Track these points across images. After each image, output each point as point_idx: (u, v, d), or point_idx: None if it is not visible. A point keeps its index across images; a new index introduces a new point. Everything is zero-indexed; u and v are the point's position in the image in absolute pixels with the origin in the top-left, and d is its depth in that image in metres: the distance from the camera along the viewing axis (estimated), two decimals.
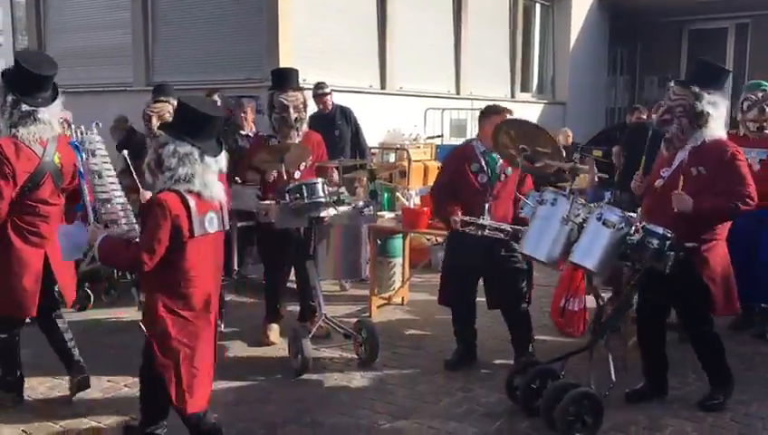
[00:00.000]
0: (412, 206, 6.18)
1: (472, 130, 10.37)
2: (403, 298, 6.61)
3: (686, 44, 16.32)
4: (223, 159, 3.47)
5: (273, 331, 5.47)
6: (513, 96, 12.40)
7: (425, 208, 5.94)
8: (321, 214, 4.92)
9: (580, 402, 3.85)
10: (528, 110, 11.88)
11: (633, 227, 3.91)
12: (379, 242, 6.40)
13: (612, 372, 4.10)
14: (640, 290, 4.21)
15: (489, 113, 4.83)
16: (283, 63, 7.76)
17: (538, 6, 13.53)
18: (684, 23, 16.04)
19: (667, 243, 3.84)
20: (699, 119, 4.09)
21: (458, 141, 9.46)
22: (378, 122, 9.02)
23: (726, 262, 4.24)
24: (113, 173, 5.26)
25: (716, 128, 4.14)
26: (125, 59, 9.00)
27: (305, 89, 5.54)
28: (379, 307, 6.29)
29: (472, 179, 4.73)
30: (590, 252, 3.93)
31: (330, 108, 7.78)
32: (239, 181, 6.49)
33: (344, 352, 5.20)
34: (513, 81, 12.62)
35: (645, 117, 8.03)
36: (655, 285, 4.08)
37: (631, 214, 4.11)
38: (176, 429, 4.00)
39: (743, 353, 5.27)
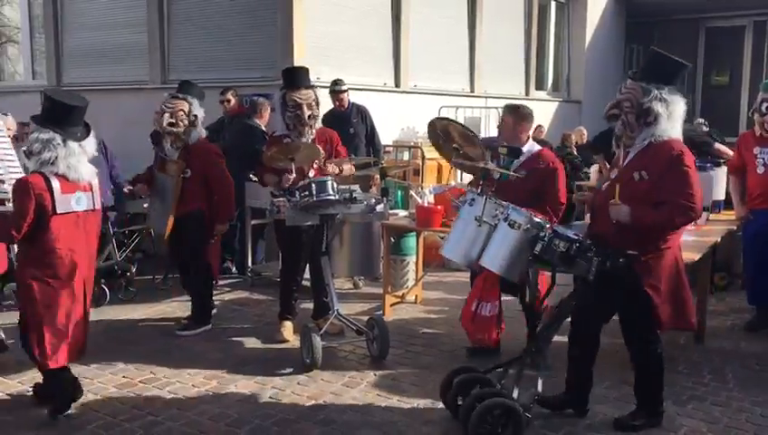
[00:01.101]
0: (426, 204, 6.17)
1: (486, 128, 10.34)
2: (417, 296, 6.61)
3: (704, 42, 16.18)
4: (90, 143, 4.04)
5: (287, 328, 5.49)
6: (527, 94, 12.35)
7: (438, 207, 5.93)
8: (333, 211, 4.93)
9: (492, 412, 3.65)
10: (543, 108, 11.82)
11: (544, 229, 3.70)
12: (392, 240, 6.40)
13: (539, 384, 3.90)
14: (577, 298, 3.92)
15: (512, 111, 4.92)
16: (298, 62, 7.77)
17: (553, 4, 13.46)
18: (701, 20, 15.89)
19: (576, 246, 3.61)
20: (646, 116, 3.72)
21: None
22: (392, 120, 9.02)
23: (676, 271, 3.87)
24: (11, 154, 5.19)
25: (668, 128, 3.74)
26: (141, 57, 9.05)
27: (317, 87, 5.55)
28: (392, 305, 6.29)
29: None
30: (496, 254, 3.80)
31: (346, 105, 7.79)
32: (254, 179, 6.52)
33: (357, 349, 5.22)
34: (527, 79, 12.56)
35: None
36: (589, 293, 3.81)
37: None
38: (190, 424, 4.04)
39: (759, 354, 5.24)
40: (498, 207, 3.87)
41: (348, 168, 5.65)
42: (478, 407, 3.67)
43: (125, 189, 7.08)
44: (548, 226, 3.78)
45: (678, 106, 3.76)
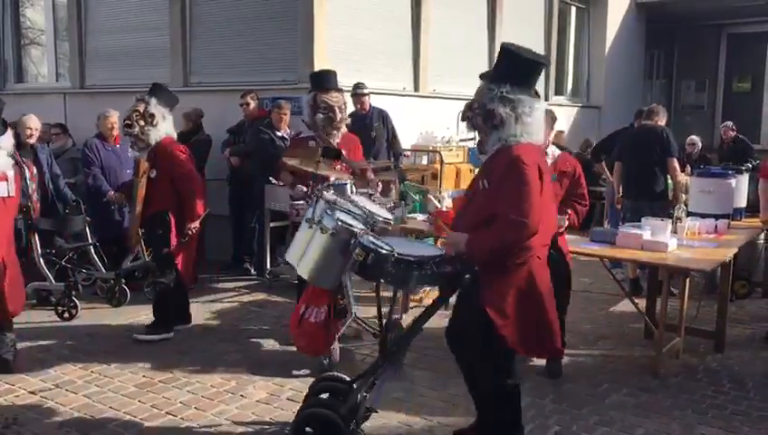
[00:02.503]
0: (444, 208, 6.17)
1: None
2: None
3: (725, 48, 16.06)
4: (4, 139, 4.62)
5: None
6: (546, 99, 12.29)
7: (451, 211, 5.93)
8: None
9: (309, 424, 3.50)
10: (562, 113, 11.77)
11: (355, 236, 3.53)
12: None
13: (372, 396, 3.70)
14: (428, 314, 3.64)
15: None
16: (318, 66, 7.80)
17: (574, 9, 13.42)
18: (722, 26, 15.78)
19: (372, 256, 3.38)
20: (491, 119, 3.34)
21: None
22: (411, 125, 9.03)
23: (531, 290, 3.36)
24: None
25: (519, 132, 3.31)
26: (163, 60, 9.13)
27: (343, 90, 5.57)
28: (410, 309, 6.30)
29: None
30: (308, 259, 3.67)
31: (367, 108, 7.84)
32: (274, 182, 6.56)
33: (374, 352, 5.22)
34: (546, 84, 12.51)
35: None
36: (454, 310, 3.57)
37: (350, 222, 3.69)
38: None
39: None
40: (325, 210, 3.70)
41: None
42: (294, 419, 3.59)
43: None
44: (359, 231, 3.58)
45: (531, 107, 3.34)
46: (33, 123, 6.52)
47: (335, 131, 5.28)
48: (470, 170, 8.93)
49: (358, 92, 7.72)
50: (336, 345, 4.84)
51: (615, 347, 5.53)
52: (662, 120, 7.07)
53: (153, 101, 5.51)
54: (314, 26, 7.86)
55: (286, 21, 8.19)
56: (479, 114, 3.41)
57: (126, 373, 4.79)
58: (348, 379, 3.86)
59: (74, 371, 4.83)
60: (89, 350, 5.27)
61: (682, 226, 5.50)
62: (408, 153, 8.84)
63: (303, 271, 3.79)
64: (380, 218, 4.04)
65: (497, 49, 3.37)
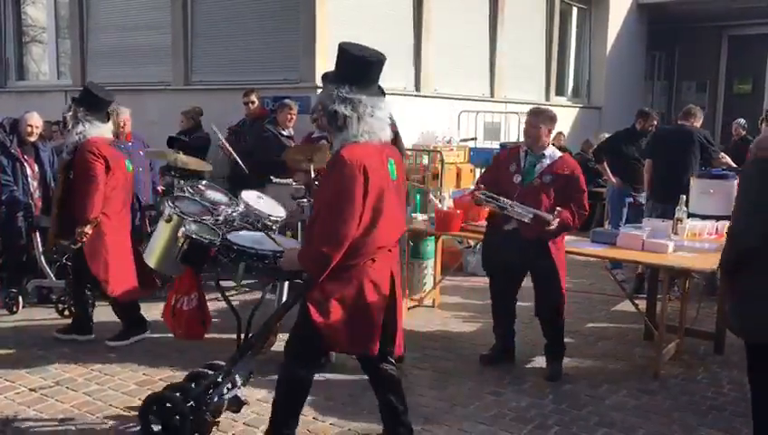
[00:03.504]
0: (445, 208, 6.18)
1: (506, 133, 10.33)
2: (434, 300, 6.62)
3: (726, 50, 16.07)
4: None
5: None
6: (547, 99, 12.32)
7: (457, 211, 5.94)
8: None
9: (160, 406, 3.61)
10: (563, 114, 11.77)
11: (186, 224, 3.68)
12: (411, 244, 6.41)
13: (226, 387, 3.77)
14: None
15: (537, 114, 4.88)
16: (320, 65, 7.82)
17: (575, 10, 13.42)
18: (724, 28, 15.79)
19: (188, 242, 3.57)
20: (335, 120, 3.27)
21: (492, 144, 9.46)
22: (412, 124, 9.03)
23: (358, 294, 3.34)
24: None
25: (356, 133, 3.26)
26: (164, 58, 9.14)
27: None
28: (410, 309, 6.30)
29: (508, 178, 4.81)
30: (151, 248, 3.79)
31: None
32: (275, 181, 6.57)
33: None
34: (548, 84, 12.53)
35: (655, 123, 7.81)
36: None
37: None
38: None
39: None
40: (167, 201, 3.88)
41: None
42: (147, 398, 3.72)
43: (158, 188, 7.24)
44: (191, 218, 3.71)
45: (374, 106, 3.27)
46: (35, 121, 6.53)
47: None
48: (471, 170, 8.94)
49: None
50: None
51: (615, 348, 5.54)
52: (698, 122, 7.10)
53: (73, 107, 5.34)
54: (316, 25, 7.86)
55: (288, 20, 8.19)
56: (323, 116, 3.42)
57: (126, 371, 4.80)
58: (225, 367, 3.86)
59: (75, 368, 4.84)
60: (89, 348, 5.27)
61: (683, 227, 5.50)
62: (409, 153, 8.84)
63: (150, 260, 3.92)
64: (263, 215, 4.21)
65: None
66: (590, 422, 4.17)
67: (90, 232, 5.15)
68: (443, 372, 4.90)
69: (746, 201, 3.41)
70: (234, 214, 4.13)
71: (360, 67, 3.29)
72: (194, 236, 3.67)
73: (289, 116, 7.40)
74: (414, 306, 6.40)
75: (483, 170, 5.82)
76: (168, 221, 3.74)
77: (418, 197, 8.08)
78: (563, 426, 4.11)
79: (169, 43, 9.09)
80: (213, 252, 3.74)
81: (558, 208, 4.60)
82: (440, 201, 6.35)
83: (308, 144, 5.40)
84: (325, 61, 7.79)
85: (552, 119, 4.90)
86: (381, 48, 3.40)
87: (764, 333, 3.33)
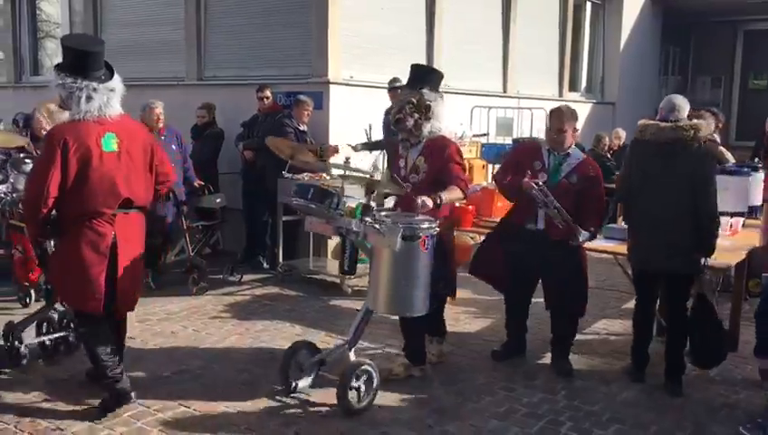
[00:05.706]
0: (457, 204, 6.16)
1: (518, 129, 10.28)
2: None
3: (741, 45, 15.94)
4: None
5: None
6: (560, 95, 12.26)
7: (469, 207, 5.92)
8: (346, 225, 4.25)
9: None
10: (576, 109, 11.72)
11: None
12: None
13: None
14: None
15: (559, 116, 4.84)
16: (332, 60, 7.82)
17: (589, 5, 13.33)
18: (738, 23, 15.66)
19: None
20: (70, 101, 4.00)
21: (505, 140, 9.42)
22: None
23: (75, 253, 3.82)
24: None
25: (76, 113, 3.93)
26: (178, 54, 9.17)
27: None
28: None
29: (533, 176, 4.66)
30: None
31: None
32: (287, 175, 6.60)
33: (386, 346, 5.24)
34: (561, 80, 12.46)
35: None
36: None
37: None
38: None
39: None
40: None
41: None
42: None
43: (195, 184, 7.29)
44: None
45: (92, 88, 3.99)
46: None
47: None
48: (482, 166, 8.91)
49: (396, 85, 7.61)
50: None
51: (628, 344, 5.51)
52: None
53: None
54: (328, 21, 7.85)
55: (300, 15, 8.19)
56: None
57: (137, 365, 4.83)
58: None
59: (85, 362, 4.86)
60: None
61: None
62: None
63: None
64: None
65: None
66: (602, 418, 4.17)
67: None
68: (454, 367, 4.90)
69: None
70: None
71: (79, 57, 3.93)
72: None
73: (305, 112, 7.46)
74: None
75: (502, 161, 5.79)
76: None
77: None
78: (576, 422, 4.10)
79: (183, 38, 9.11)
80: None
81: (592, 229, 4.66)
82: None
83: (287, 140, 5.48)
84: (337, 56, 7.79)
85: (574, 115, 4.87)
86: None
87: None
